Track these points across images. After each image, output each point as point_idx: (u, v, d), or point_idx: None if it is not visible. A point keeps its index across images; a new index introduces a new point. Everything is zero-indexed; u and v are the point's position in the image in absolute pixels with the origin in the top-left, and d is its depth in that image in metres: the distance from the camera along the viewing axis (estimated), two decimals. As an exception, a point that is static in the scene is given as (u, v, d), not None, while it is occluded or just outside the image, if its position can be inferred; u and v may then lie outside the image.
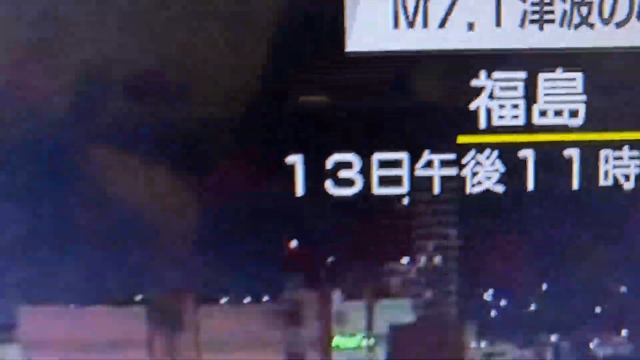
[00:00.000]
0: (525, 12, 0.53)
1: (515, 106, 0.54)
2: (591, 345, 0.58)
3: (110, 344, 0.55)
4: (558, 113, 0.54)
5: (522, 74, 0.54)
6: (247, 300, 0.55)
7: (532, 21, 0.53)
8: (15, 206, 0.53)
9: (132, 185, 0.53)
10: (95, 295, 0.55)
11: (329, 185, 0.53)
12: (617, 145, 0.55)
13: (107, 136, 0.52)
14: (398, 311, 0.56)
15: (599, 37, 0.53)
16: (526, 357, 0.58)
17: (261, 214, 0.54)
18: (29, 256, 0.54)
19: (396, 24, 0.52)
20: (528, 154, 0.54)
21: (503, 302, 0.57)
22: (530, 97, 0.54)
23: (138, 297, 0.55)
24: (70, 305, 0.55)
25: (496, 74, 0.53)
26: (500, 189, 0.55)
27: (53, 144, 0.52)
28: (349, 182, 0.53)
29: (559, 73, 0.54)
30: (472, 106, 0.54)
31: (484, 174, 0.54)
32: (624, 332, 0.58)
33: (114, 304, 0.55)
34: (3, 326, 0.55)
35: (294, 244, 0.54)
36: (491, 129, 0.54)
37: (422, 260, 0.55)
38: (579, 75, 0.54)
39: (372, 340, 0.57)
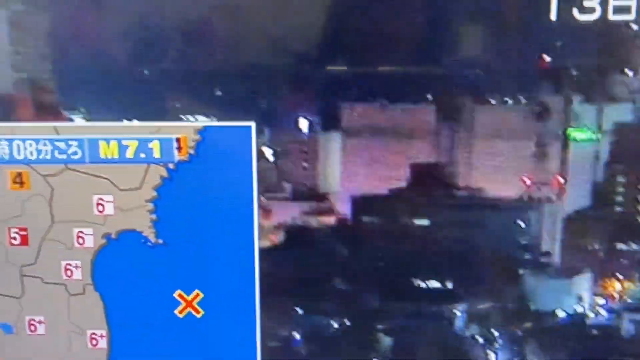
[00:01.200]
0: None
1: None
2: None
3: (409, 132, 0.76)
4: None
5: None
6: (509, 101, 0.75)
7: None
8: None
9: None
10: (394, 97, 0.76)
11: (575, 12, 0.72)
12: None
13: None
14: (621, 112, 0.75)
15: None
16: None
17: (523, 34, 0.73)
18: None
19: None
20: None
21: None
22: None
23: (430, 97, 0.75)
24: (381, 102, 0.76)
25: None
26: None
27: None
28: (590, 10, 0.72)
29: None
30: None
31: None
32: None
33: (411, 103, 0.76)
34: (332, 118, 0.77)
35: (546, 58, 0.74)
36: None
37: (642, 71, 0.74)
38: None
39: (599, 134, 0.76)
